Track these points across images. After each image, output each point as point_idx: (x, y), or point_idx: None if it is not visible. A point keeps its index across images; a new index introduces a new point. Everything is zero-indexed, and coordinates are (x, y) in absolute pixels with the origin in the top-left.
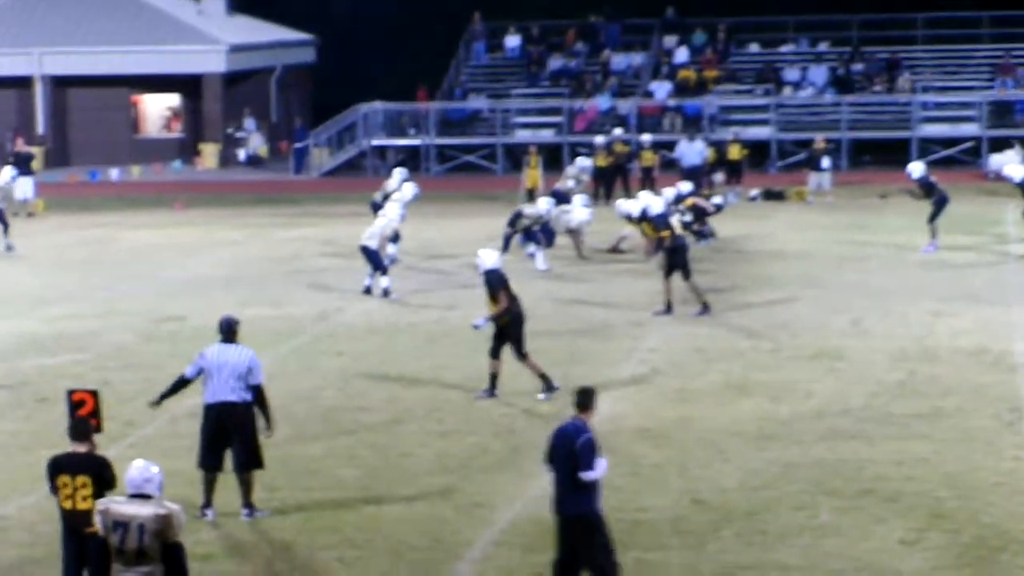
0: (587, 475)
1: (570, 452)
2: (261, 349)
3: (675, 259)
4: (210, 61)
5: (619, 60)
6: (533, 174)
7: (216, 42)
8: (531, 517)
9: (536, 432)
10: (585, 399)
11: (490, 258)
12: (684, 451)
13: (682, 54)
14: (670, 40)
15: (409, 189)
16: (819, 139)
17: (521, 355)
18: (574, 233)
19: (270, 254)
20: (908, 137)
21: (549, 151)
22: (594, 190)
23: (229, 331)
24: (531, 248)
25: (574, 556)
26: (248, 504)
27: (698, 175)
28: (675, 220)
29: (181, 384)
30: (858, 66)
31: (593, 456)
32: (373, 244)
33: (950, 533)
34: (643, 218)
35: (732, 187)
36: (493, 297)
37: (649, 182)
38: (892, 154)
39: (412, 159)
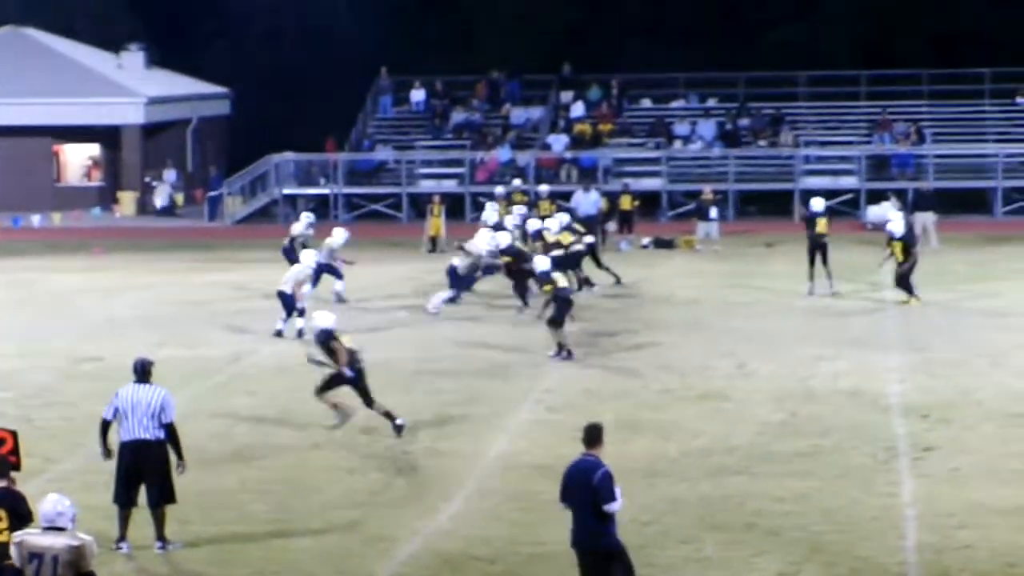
0: (611, 507)
1: (588, 487)
2: (177, 388)
3: (559, 308)
4: (129, 113)
5: (518, 114)
6: (436, 222)
7: (135, 95)
8: (431, 550)
9: (436, 469)
10: (592, 435)
11: (325, 320)
12: None
13: (578, 109)
14: (567, 95)
15: (340, 235)
16: (707, 190)
17: (368, 402)
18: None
19: (185, 297)
20: (791, 189)
21: (452, 200)
22: None
23: (143, 371)
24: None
25: None
26: (161, 537)
27: (593, 224)
28: (558, 275)
29: (104, 427)
30: (744, 121)
31: (613, 488)
32: (288, 288)
33: (826, 566)
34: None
35: (624, 236)
36: (331, 355)
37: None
38: (776, 205)
39: (321, 207)
